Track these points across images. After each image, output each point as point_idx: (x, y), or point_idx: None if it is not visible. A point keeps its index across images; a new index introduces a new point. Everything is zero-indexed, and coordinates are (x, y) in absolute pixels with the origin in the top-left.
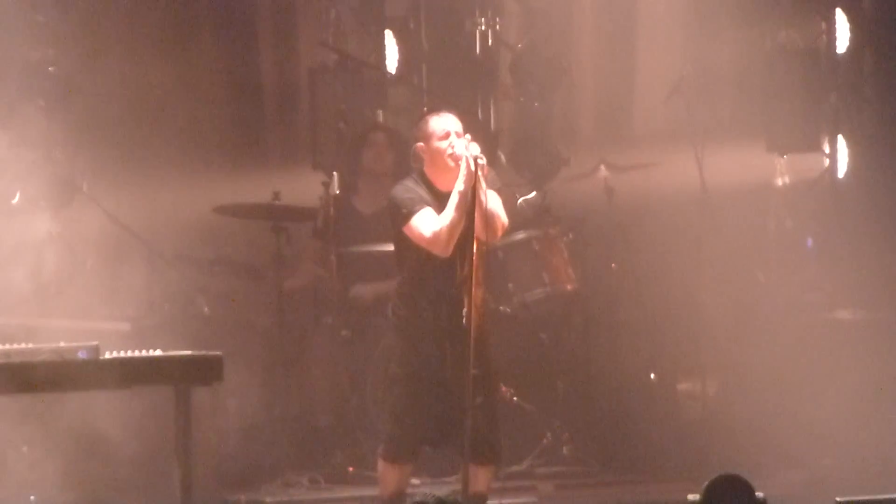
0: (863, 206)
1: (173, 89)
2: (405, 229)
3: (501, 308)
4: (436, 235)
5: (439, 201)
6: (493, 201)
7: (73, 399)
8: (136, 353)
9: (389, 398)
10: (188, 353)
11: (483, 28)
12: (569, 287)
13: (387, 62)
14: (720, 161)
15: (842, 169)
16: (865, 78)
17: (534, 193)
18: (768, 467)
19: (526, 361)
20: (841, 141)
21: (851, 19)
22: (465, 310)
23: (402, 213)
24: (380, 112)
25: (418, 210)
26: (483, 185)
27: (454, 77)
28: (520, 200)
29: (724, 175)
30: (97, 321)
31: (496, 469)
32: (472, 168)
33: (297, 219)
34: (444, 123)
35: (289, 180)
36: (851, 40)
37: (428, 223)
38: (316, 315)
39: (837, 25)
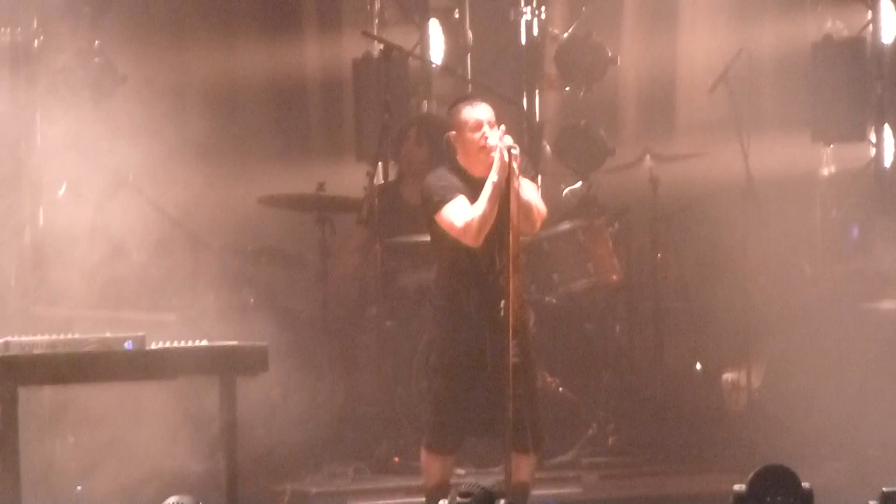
0: None
1: (218, 80)
2: (437, 218)
3: (546, 298)
4: (467, 226)
5: (474, 188)
6: (528, 191)
7: (118, 389)
8: (182, 344)
9: (431, 389)
10: (233, 343)
11: (528, 17)
12: (614, 277)
13: (431, 52)
14: (765, 151)
15: (888, 158)
16: None
17: (579, 183)
18: (814, 458)
19: (571, 352)
20: (887, 130)
21: None
22: (502, 301)
23: (433, 202)
24: (424, 102)
25: (451, 199)
26: (518, 175)
27: (499, 67)
28: (565, 191)
29: (769, 165)
30: (143, 312)
31: (539, 458)
32: (506, 159)
33: (341, 209)
34: (476, 113)
35: (333, 171)
36: None
37: (460, 213)
38: (360, 305)
39: (883, 14)
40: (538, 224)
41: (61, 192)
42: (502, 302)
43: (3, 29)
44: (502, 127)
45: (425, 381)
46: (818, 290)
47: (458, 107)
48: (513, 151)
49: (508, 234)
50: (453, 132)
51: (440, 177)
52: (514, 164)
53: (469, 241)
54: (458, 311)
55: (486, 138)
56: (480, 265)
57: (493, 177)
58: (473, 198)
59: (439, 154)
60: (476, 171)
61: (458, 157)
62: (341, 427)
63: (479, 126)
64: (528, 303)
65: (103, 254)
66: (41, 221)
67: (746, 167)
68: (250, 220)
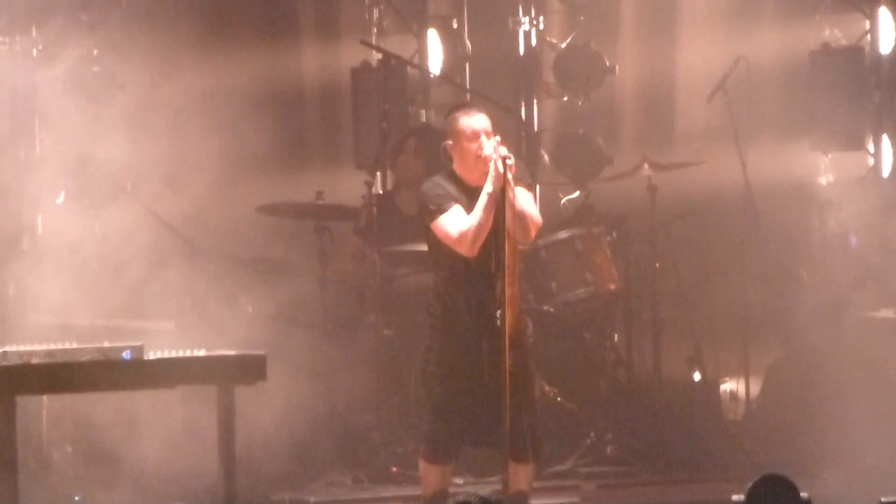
0: None
1: (216, 89)
2: (433, 226)
3: (545, 307)
4: (462, 235)
5: (470, 197)
6: (524, 200)
7: (117, 398)
8: (180, 353)
9: (428, 398)
10: (232, 352)
11: (526, 27)
12: (612, 286)
13: (430, 61)
14: (763, 159)
15: (886, 168)
16: None
17: (577, 192)
18: (813, 467)
19: (569, 361)
20: (885, 140)
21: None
22: (499, 310)
23: (430, 211)
24: (423, 112)
25: (447, 208)
26: (512, 185)
27: (497, 76)
28: (563, 199)
29: (768, 173)
30: (141, 320)
31: (537, 467)
32: (501, 169)
33: (339, 218)
34: (473, 122)
35: (332, 179)
36: None
37: (455, 222)
38: (359, 314)
39: (881, 24)
40: (533, 233)
41: (60, 200)
42: (499, 311)
43: (2, 38)
44: (497, 137)
45: (423, 390)
46: (816, 299)
47: (454, 116)
48: (508, 161)
49: (503, 242)
50: (450, 141)
51: (436, 185)
52: (510, 174)
53: (464, 250)
54: (455, 319)
55: (483, 148)
56: (477, 274)
57: (488, 186)
58: (469, 207)
59: (437, 164)
60: (472, 180)
61: (454, 166)
62: (339, 436)
63: (475, 136)
64: (525, 311)
65: (101, 262)
66: (40, 229)
67: (745, 176)
68: (249, 228)
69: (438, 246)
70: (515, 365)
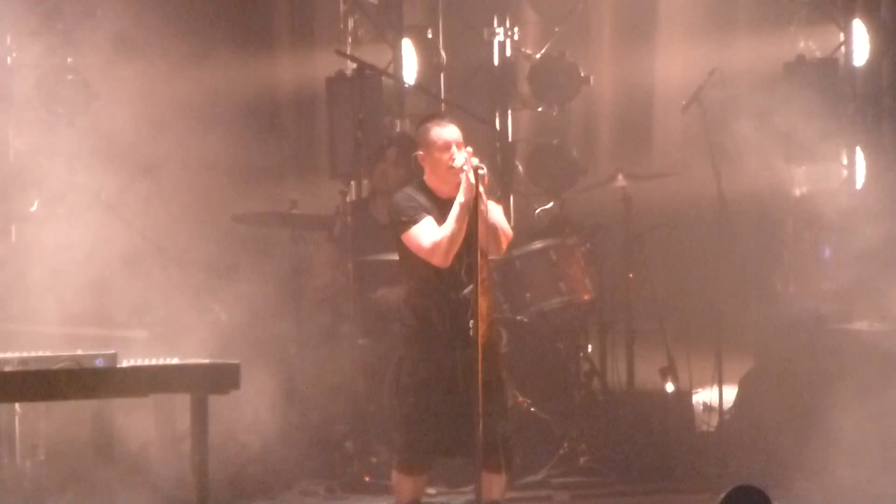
0: (881, 216)
1: (191, 98)
2: (404, 238)
3: (518, 317)
4: (435, 246)
5: (441, 209)
6: (494, 213)
7: (89, 406)
8: (154, 362)
9: (401, 409)
10: (205, 361)
11: (501, 37)
12: (586, 297)
13: (404, 71)
14: (738, 171)
15: (860, 180)
16: (884, 89)
17: (551, 203)
18: (785, 478)
19: (543, 371)
20: (858, 152)
21: (870, 30)
22: (471, 320)
23: (401, 222)
24: (398, 122)
25: (419, 219)
26: (484, 196)
27: (472, 86)
28: (538, 210)
29: (742, 185)
30: (114, 329)
31: (510, 477)
32: (473, 180)
33: (314, 227)
34: (445, 133)
35: (306, 189)
36: (870, 51)
37: (427, 233)
38: (333, 323)
39: (856, 36)
40: (504, 245)
41: (33, 208)
42: (471, 321)
43: None
44: (469, 148)
45: (396, 401)
46: (790, 311)
47: (425, 127)
48: (480, 171)
49: (475, 253)
50: (421, 152)
51: (407, 197)
52: (481, 185)
53: (437, 261)
54: (427, 330)
55: (454, 159)
56: (448, 284)
57: (460, 197)
58: (440, 218)
59: (415, 174)
60: (443, 192)
61: (425, 177)
62: (313, 445)
63: (447, 146)
64: (498, 321)
65: (75, 271)
66: (13, 238)
67: (719, 187)
68: (223, 237)
69: (409, 257)
70: (488, 375)
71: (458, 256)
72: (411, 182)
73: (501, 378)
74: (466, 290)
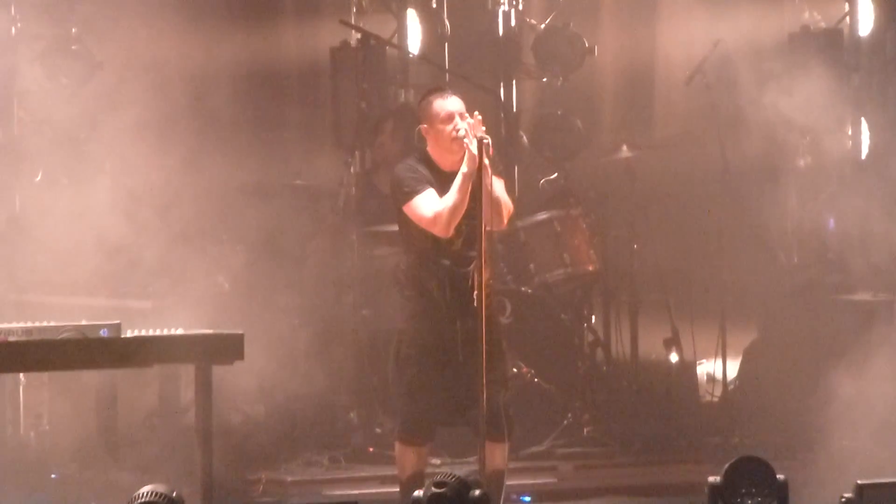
0: (885, 187)
1: (195, 68)
2: (405, 209)
3: (522, 288)
4: (437, 216)
5: (442, 181)
6: (496, 187)
7: (93, 376)
8: (158, 332)
9: (402, 379)
10: (209, 331)
11: (506, 7)
12: (590, 267)
13: (409, 41)
14: (742, 142)
15: (864, 150)
16: (888, 60)
17: (556, 174)
18: (789, 449)
19: (547, 342)
20: (863, 123)
21: (875, 1)
22: (475, 291)
23: (403, 192)
24: (402, 92)
25: (421, 190)
26: (489, 166)
27: (476, 57)
28: (542, 181)
29: (746, 156)
30: (118, 299)
31: (512, 446)
32: (476, 151)
33: (318, 198)
34: (447, 105)
35: (310, 159)
36: (875, 21)
37: (429, 204)
38: (337, 294)
39: (860, 6)
40: (505, 220)
41: (38, 178)
42: (475, 293)
43: None
44: (478, 115)
45: (396, 371)
46: (793, 281)
47: (428, 99)
48: (484, 142)
49: (478, 224)
50: (424, 125)
51: (409, 168)
52: (486, 156)
53: (438, 231)
54: (427, 300)
55: (458, 130)
56: (448, 255)
57: (464, 167)
58: (442, 190)
59: (414, 146)
60: (446, 164)
61: (428, 149)
62: (317, 416)
63: (450, 118)
64: (502, 292)
65: (79, 241)
66: (17, 208)
67: (723, 158)
68: (227, 207)
69: (410, 228)
70: (489, 345)
71: (458, 227)
72: (412, 153)
73: (502, 348)
74: (470, 265)
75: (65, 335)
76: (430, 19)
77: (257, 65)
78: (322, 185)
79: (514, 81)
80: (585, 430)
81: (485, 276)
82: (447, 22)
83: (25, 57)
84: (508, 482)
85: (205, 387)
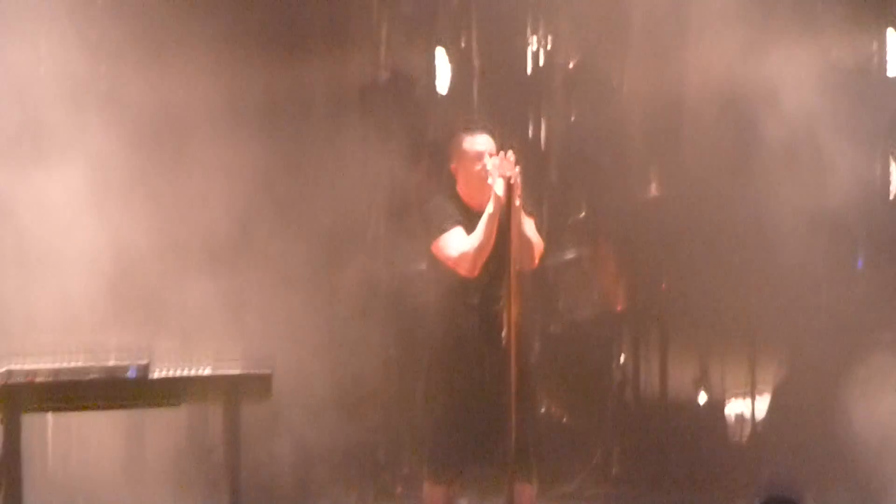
0: None
1: (224, 107)
2: (432, 247)
3: (551, 327)
4: (463, 256)
5: (472, 220)
6: (526, 226)
7: (122, 413)
8: (186, 372)
9: (430, 418)
10: (237, 372)
11: (534, 47)
12: (618, 307)
13: (438, 80)
14: (772, 179)
15: (893, 190)
16: None
17: (584, 213)
18: (819, 488)
19: (575, 381)
20: (892, 162)
21: None
22: (503, 331)
23: (430, 230)
24: (431, 131)
25: (447, 229)
26: (518, 205)
27: (505, 96)
28: (570, 220)
29: (776, 194)
30: (147, 336)
31: (539, 487)
32: (503, 191)
33: (347, 237)
34: (476, 144)
35: (339, 198)
36: None
37: (455, 243)
38: (364, 333)
39: (889, 46)
40: (537, 259)
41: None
42: (503, 332)
43: None
44: (511, 154)
45: (425, 410)
46: (823, 321)
47: (458, 138)
48: (513, 181)
49: (506, 262)
50: (454, 164)
51: (438, 207)
52: (516, 195)
53: (464, 270)
54: (456, 339)
55: (486, 168)
56: (478, 294)
57: (489, 208)
58: (471, 229)
59: (446, 185)
60: (475, 203)
61: (458, 189)
62: (344, 455)
63: (479, 157)
64: (530, 332)
65: (108, 278)
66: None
67: (753, 196)
68: (257, 243)
69: (438, 266)
70: (517, 385)
71: (486, 266)
72: (442, 191)
73: (530, 386)
74: (499, 304)
75: (92, 376)
76: (459, 58)
77: (285, 103)
78: (352, 225)
79: (542, 120)
80: (614, 470)
81: (514, 314)
82: (476, 60)
83: (52, 94)
84: None
85: (233, 426)
